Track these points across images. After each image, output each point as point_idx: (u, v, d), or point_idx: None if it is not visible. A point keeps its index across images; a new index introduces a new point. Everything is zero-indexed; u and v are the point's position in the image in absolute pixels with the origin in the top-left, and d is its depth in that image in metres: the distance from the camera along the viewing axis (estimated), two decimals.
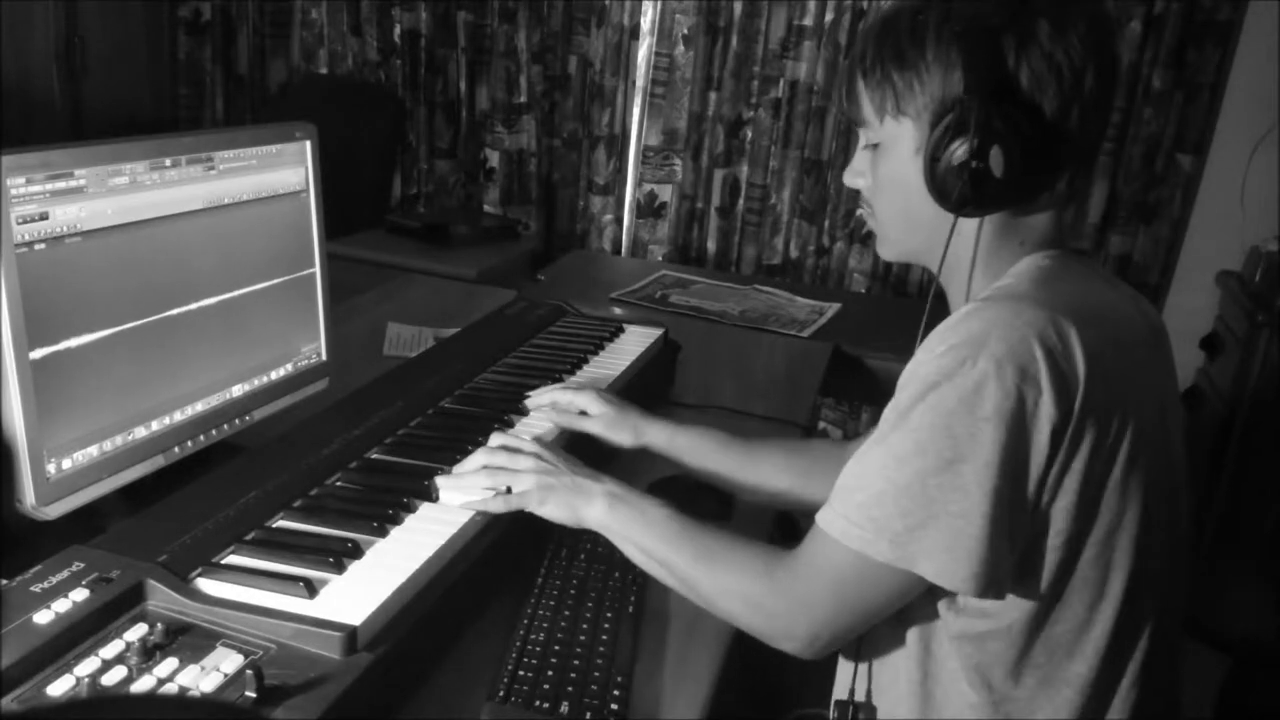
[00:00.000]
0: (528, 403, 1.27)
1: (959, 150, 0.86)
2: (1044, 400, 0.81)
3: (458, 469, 1.07)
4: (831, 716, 0.98)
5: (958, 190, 0.87)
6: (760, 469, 1.23)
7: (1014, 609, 0.88)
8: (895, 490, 0.84)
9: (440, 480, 1.05)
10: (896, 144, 0.93)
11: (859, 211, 3.05)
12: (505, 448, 1.07)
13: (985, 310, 0.85)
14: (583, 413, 1.24)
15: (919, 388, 0.84)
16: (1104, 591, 0.88)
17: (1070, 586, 0.88)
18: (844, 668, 1.02)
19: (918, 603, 0.90)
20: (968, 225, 0.93)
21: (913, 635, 0.94)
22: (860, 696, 0.99)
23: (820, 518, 0.89)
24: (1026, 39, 0.86)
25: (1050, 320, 0.83)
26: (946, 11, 0.88)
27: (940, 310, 0.94)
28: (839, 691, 1.03)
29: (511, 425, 1.22)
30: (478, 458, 1.07)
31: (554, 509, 1.01)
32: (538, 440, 1.09)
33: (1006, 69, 0.86)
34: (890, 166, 0.94)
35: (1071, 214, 0.98)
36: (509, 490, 1.02)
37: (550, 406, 1.26)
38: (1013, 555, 0.85)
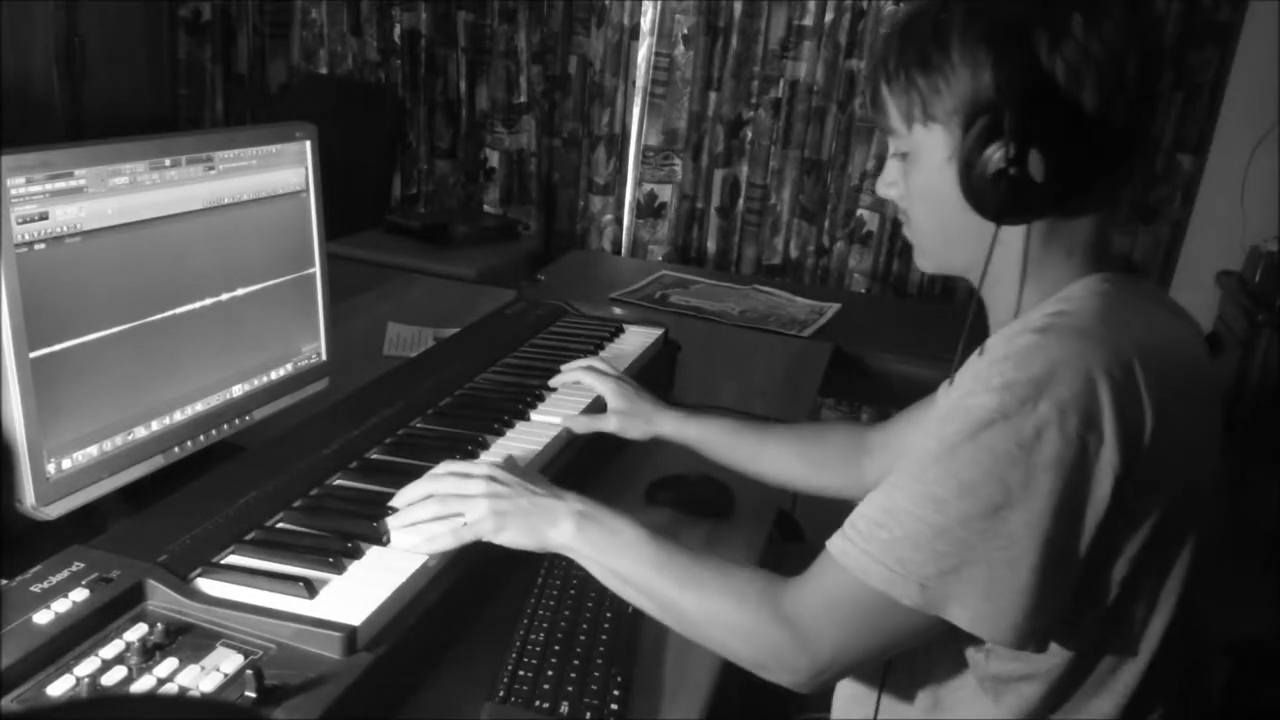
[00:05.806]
0: (555, 379, 1.32)
1: (995, 156, 0.80)
2: (1106, 449, 0.75)
3: (400, 498, 0.96)
4: None
5: (996, 198, 0.81)
6: (771, 457, 1.22)
7: (1056, 655, 0.83)
8: (932, 533, 0.77)
9: (390, 521, 0.94)
10: (927, 152, 0.86)
11: (860, 212, 3.09)
12: (453, 473, 0.96)
13: (1048, 346, 0.77)
14: (599, 410, 1.25)
15: (969, 424, 0.77)
16: (1144, 633, 0.85)
17: (1113, 630, 0.84)
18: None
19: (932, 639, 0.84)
20: (1011, 235, 0.85)
21: (924, 665, 0.91)
22: (881, 711, 0.95)
23: (834, 548, 0.82)
24: (1059, 32, 0.79)
25: (1117, 361, 0.77)
26: (970, 9, 0.82)
27: (980, 324, 0.89)
28: (839, 701, 1.02)
29: (512, 425, 1.22)
30: (421, 486, 0.95)
31: (514, 534, 0.92)
32: (494, 463, 0.98)
33: (1040, 66, 0.80)
34: (923, 177, 0.88)
35: (1120, 216, 0.91)
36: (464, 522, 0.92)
37: (575, 384, 1.30)
38: (1059, 606, 0.79)
